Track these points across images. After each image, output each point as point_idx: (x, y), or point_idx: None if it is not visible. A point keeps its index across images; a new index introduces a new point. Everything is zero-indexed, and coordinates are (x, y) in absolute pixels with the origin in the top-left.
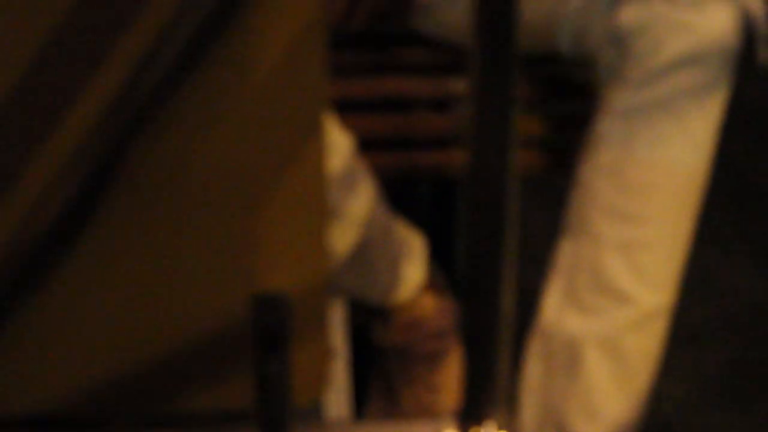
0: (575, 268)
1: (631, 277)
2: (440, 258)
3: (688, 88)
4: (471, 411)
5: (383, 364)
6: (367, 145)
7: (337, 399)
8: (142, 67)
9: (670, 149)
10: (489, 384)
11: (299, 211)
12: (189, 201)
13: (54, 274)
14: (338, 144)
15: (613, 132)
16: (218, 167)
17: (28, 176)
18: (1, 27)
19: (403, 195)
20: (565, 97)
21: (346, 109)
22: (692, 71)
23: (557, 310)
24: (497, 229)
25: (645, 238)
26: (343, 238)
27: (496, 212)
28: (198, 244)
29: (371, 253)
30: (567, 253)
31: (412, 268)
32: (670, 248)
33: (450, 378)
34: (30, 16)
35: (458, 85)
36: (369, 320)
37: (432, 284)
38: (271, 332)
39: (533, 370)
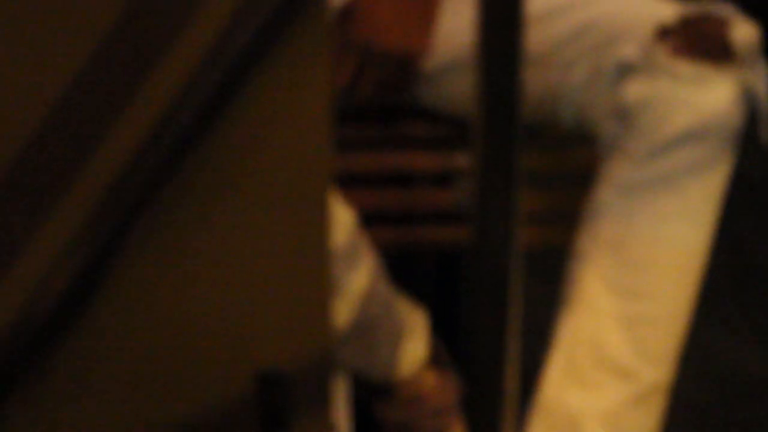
0: (576, 342)
1: (632, 352)
2: (443, 333)
3: (690, 165)
4: None
5: None
6: (369, 220)
7: None
8: (150, 142)
9: (672, 225)
10: None
11: (303, 286)
12: (193, 276)
13: (57, 351)
14: (341, 219)
15: (615, 206)
16: (223, 240)
17: (33, 248)
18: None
19: (406, 270)
20: (567, 171)
21: (349, 184)
22: (695, 147)
23: (558, 384)
24: (501, 304)
25: (646, 313)
26: (344, 313)
27: (499, 287)
28: (202, 320)
29: (373, 328)
30: (567, 327)
31: (414, 344)
32: (670, 324)
33: None
34: (28, 94)
35: (461, 160)
36: (371, 396)
37: (434, 360)
38: (275, 409)
39: None
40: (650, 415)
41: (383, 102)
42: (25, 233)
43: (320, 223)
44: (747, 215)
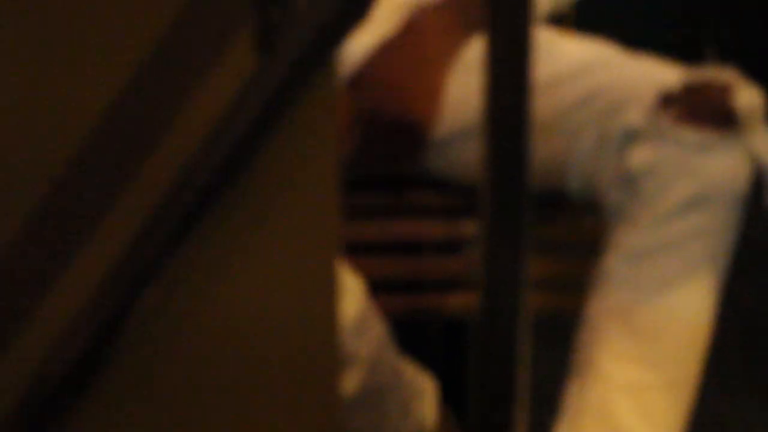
0: (583, 408)
1: (638, 419)
2: (451, 400)
3: (695, 231)
4: None
5: None
6: (377, 288)
7: None
8: (159, 211)
9: (677, 292)
10: None
11: (312, 353)
12: (199, 348)
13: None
14: (349, 286)
15: (621, 274)
16: (233, 307)
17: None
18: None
19: (414, 337)
20: (575, 239)
21: (358, 252)
22: (699, 214)
23: None
24: (509, 370)
25: (652, 381)
26: (353, 379)
27: (507, 353)
28: (210, 391)
29: (382, 394)
30: (575, 394)
31: (423, 411)
32: (677, 391)
33: None
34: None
35: (469, 227)
36: None
37: (443, 427)
38: None
39: None
40: None
41: (391, 170)
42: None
43: (329, 291)
44: (753, 280)
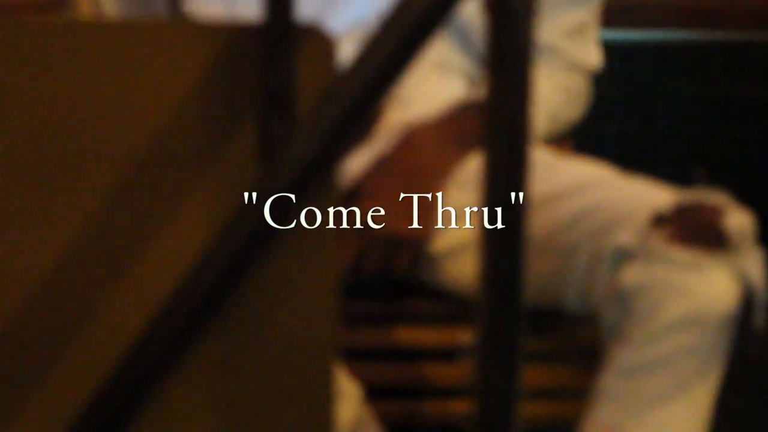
0: None
1: None
2: None
3: (687, 349)
4: None
5: None
6: (374, 394)
7: None
8: (159, 321)
9: (669, 410)
10: None
11: None
12: None
13: None
14: (347, 393)
15: (614, 389)
16: (229, 416)
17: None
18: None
19: None
20: (570, 354)
21: (354, 358)
22: (692, 333)
23: None
24: None
25: None
26: None
27: None
28: None
29: None
30: None
31: None
32: None
33: None
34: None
35: (465, 335)
36: None
37: None
38: None
39: None
40: None
41: (387, 279)
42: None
43: (326, 396)
44: (744, 397)
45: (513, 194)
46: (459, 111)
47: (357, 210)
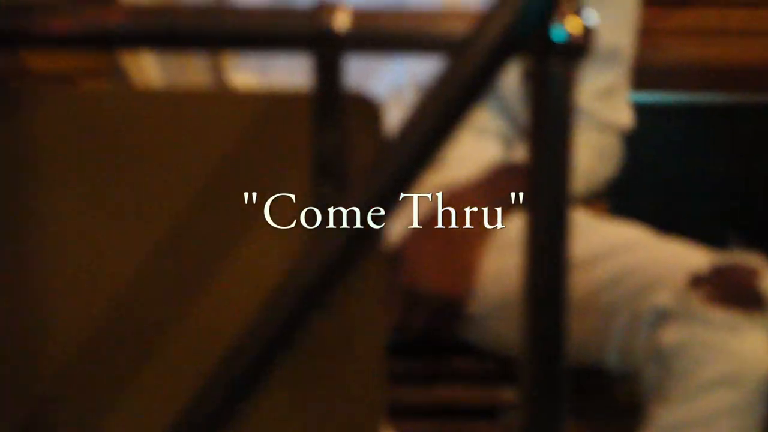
0: None
1: None
2: None
3: (726, 409)
4: None
5: None
6: None
7: None
8: (214, 379)
9: None
10: None
11: None
12: None
13: None
14: None
15: None
16: None
17: None
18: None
19: None
20: (612, 411)
21: (398, 416)
22: (730, 392)
23: None
24: None
25: None
26: None
27: None
28: None
29: None
30: None
31: None
32: None
33: None
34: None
35: (507, 394)
36: None
37: None
38: None
39: None
40: None
41: (431, 338)
42: None
43: None
44: None
45: (555, 255)
46: (497, 173)
47: (400, 271)
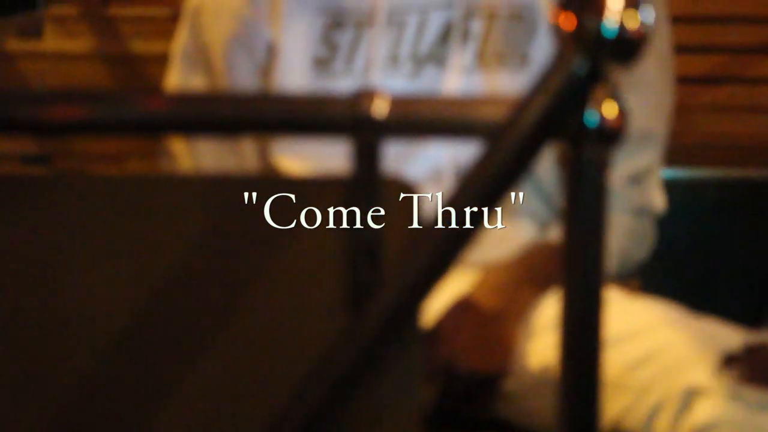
0: None
1: None
2: None
3: None
4: None
5: None
6: None
7: None
8: None
9: None
10: None
11: None
12: None
13: None
14: None
15: None
16: None
17: None
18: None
19: None
20: None
21: None
22: None
23: None
24: None
25: None
26: None
27: None
28: None
29: None
30: None
31: None
32: None
33: None
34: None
35: None
36: None
37: None
38: None
39: None
40: None
41: (468, 414)
42: None
43: None
44: None
45: (589, 334)
46: (532, 253)
47: (438, 348)
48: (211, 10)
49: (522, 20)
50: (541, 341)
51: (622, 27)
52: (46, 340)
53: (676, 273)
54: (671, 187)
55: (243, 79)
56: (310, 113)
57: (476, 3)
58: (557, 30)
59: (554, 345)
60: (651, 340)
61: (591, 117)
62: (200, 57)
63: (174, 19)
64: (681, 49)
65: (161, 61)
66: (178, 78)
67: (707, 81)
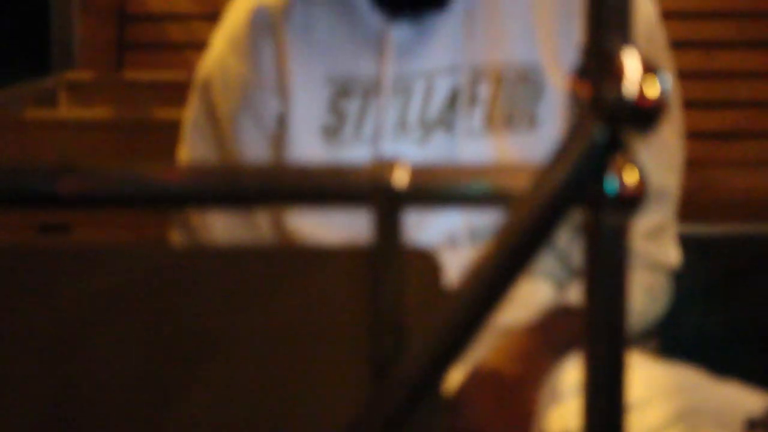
0: None
1: None
2: None
3: None
4: None
5: None
6: None
7: None
8: None
9: None
10: None
11: None
12: None
13: None
14: None
15: None
16: None
17: None
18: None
19: None
20: None
21: None
22: None
23: None
24: None
25: None
26: None
27: None
28: None
29: None
30: None
31: None
32: None
33: None
34: None
35: None
36: None
37: None
38: None
39: None
40: None
41: None
42: None
43: None
44: None
45: (612, 398)
46: (551, 318)
47: (459, 415)
48: (219, 81)
49: (528, 82)
50: (563, 407)
51: (640, 95)
52: (61, 405)
53: (694, 332)
54: (687, 243)
55: (253, 148)
56: (329, 184)
57: (482, 67)
58: (575, 97)
59: (576, 410)
60: (672, 406)
61: (611, 183)
62: (210, 127)
63: (191, 84)
64: (692, 104)
65: (179, 127)
66: (189, 149)
67: (720, 137)
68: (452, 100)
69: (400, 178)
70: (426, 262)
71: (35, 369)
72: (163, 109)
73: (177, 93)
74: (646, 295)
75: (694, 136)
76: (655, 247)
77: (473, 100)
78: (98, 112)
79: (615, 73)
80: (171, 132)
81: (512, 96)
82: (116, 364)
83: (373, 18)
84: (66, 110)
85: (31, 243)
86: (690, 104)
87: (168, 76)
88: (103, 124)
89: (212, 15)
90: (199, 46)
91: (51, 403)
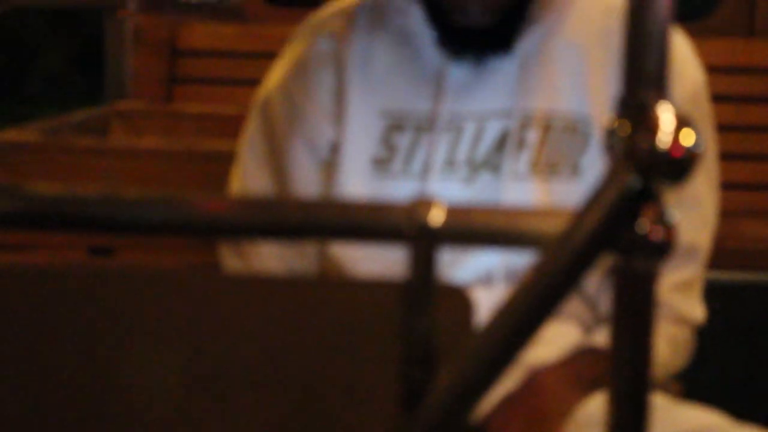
0: None
1: None
2: None
3: None
4: None
5: None
6: None
7: None
8: None
9: None
10: None
11: None
12: None
13: None
14: None
15: None
16: None
17: None
18: None
19: None
20: None
21: None
22: None
23: None
24: None
25: None
26: None
27: None
28: None
29: None
30: None
31: None
32: None
33: None
34: None
35: None
36: None
37: None
38: None
39: None
40: None
41: None
42: None
43: None
44: None
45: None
46: (577, 356)
47: None
48: (278, 103)
49: (576, 132)
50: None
51: (673, 146)
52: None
53: (719, 377)
54: (714, 290)
55: (304, 173)
56: (368, 220)
57: (533, 113)
58: (610, 146)
59: None
60: None
61: (642, 231)
62: (266, 146)
63: (238, 118)
64: (724, 156)
65: (225, 159)
66: (243, 166)
67: (749, 187)
68: (501, 143)
69: (437, 217)
70: (458, 299)
71: (77, 388)
72: (209, 140)
73: (222, 125)
74: (669, 346)
75: (725, 186)
76: (681, 301)
77: (521, 144)
78: (147, 141)
79: (650, 124)
80: (217, 162)
81: (559, 144)
82: (155, 388)
83: (433, 55)
84: (116, 138)
85: (78, 263)
86: (722, 156)
87: (214, 109)
88: (151, 153)
89: (258, 53)
90: (245, 82)
91: (93, 422)
